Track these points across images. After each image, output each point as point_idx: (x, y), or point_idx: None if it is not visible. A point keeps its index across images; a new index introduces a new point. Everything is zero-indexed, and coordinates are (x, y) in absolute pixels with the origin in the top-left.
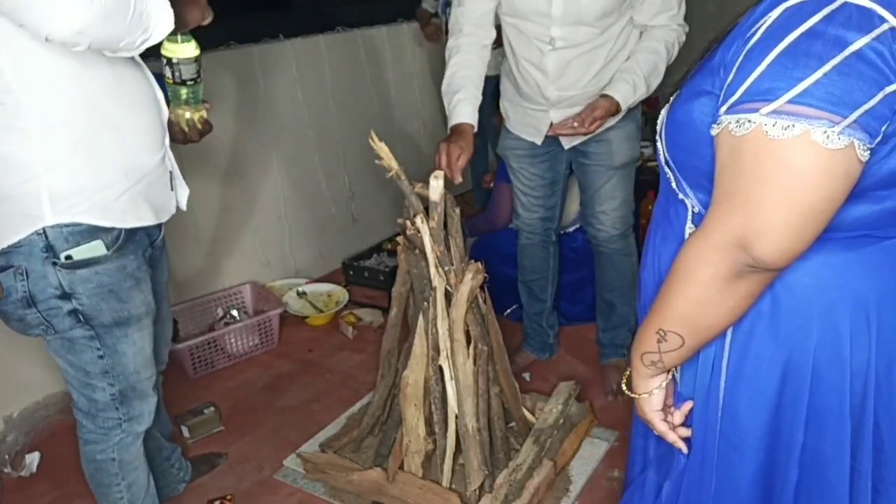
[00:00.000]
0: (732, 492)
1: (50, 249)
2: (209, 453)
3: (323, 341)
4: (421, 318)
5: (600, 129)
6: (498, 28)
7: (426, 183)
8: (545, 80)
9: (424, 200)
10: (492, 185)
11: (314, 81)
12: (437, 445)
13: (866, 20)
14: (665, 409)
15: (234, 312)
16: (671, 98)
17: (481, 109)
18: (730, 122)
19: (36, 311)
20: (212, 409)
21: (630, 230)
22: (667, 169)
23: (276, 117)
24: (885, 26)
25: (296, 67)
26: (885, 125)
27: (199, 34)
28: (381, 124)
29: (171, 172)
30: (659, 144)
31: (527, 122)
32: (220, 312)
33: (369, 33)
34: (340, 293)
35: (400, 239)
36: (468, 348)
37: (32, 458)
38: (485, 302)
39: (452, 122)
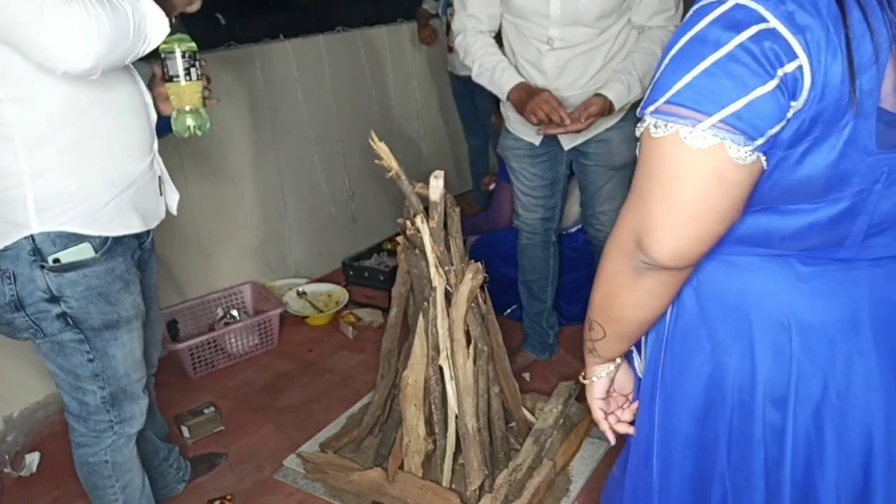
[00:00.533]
0: (669, 495)
1: (37, 253)
2: (209, 453)
3: (323, 341)
4: (421, 318)
5: (597, 130)
6: (497, 32)
7: (426, 183)
8: (543, 80)
9: (424, 200)
10: (491, 187)
11: (314, 81)
12: (437, 445)
13: (745, 20)
14: (607, 397)
15: (234, 312)
16: None
17: (481, 109)
18: (640, 123)
19: (24, 315)
20: (212, 409)
21: None
22: None
23: (276, 117)
24: (762, 25)
25: (296, 67)
26: (774, 128)
27: (199, 34)
28: (381, 124)
29: (159, 178)
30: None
31: (526, 123)
32: (220, 312)
33: (369, 33)
34: (340, 293)
35: (400, 239)
36: (468, 348)
37: (32, 458)
38: (485, 302)
39: (509, 85)
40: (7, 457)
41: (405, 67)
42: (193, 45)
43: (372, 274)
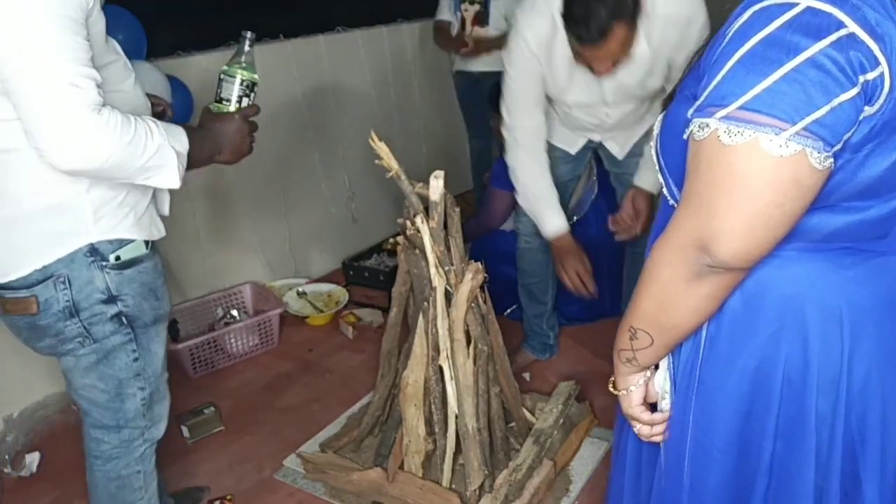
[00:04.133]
0: (704, 495)
1: (95, 253)
2: (192, 487)
3: (323, 341)
4: (421, 318)
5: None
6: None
7: (426, 183)
8: (599, 128)
9: (424, 200)
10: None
11: (314, 81)
12: (437, 445)
13: (823, 25)
14: (646, 405)
15: (234, 312)
16: (667, 103)
17: (481, 108)
18: (693, 126)
19: (77, 321)
20: (212, 409)
21: None
22: (660, 175)
23: (276, 117)
24: (842, 31)
25: (296, 67)
26: (849, 133)
27: (200, 34)
28: (381, 124)
29: None
30: (653, 151)
31: (562, 139)
32: (220, 312)
33: (369, 33)
34: (340, 293)
35: (400, 239)
36: (468, 348)
37: (32, 458)
38: (485, 302)
39: (550, 229)
40: (7, 457)
41: (405, 67)
42: (256, 77)
43: (372, 274)
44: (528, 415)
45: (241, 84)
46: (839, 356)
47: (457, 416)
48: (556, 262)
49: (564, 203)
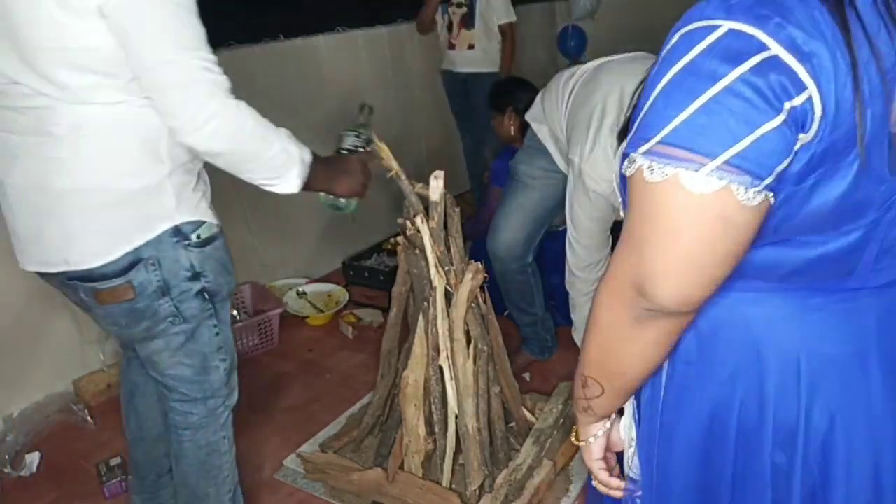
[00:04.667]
0: None
1: (179, 233)
2: None
3: (323, 341)
4: (421, 318)
5: None
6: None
7: (426, 183)
8: None
9: (424, 200)
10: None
11: (314, 81)
12: (437, 445)
13: (744, 49)
14: (605, 458)
15: (234, 312)
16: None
17: (475, 108)
18: (625, 161)
19: (169, 300)
20: None
21: None
22: (622, 210)
23: (276, 117)
24: (764, 54)
25: (296, 67)
26: (782, 164)
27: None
28: (381, 124)
29: None
30: (614, 182)
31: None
32: None
33: (369, 33)
34: (340, 293)
35: (400, 239)
36: (468, 348)
37: (32, 458)
38: (485, 302)
39: None
40: (7, 457)
41: (405, 67)
42: (372, 136)
43: (372, 274)
44: (528, 415)
45: (359, 138)
46: (796, 407)
47: (457, 416)
48: None
49: (543, 222)
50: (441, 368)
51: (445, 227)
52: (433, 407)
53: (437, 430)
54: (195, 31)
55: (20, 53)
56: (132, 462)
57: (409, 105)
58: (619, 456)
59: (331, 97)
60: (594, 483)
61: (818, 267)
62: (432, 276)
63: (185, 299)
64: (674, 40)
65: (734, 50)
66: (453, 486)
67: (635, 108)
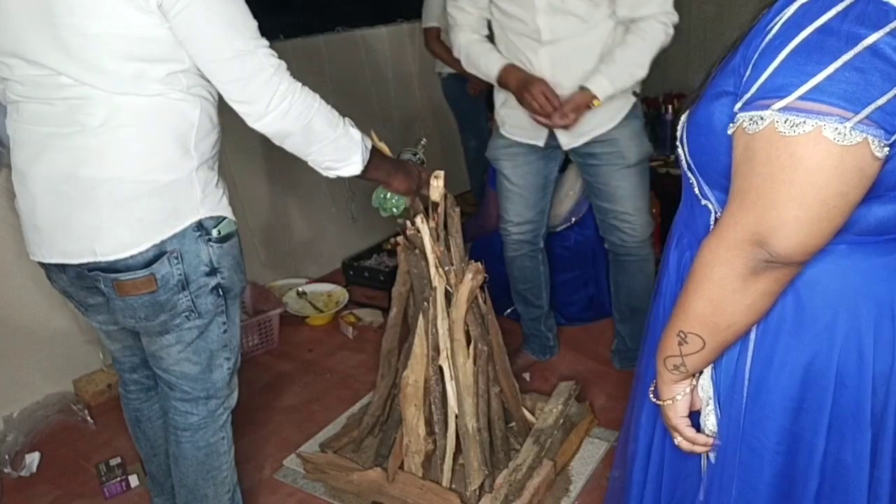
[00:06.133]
0: (752, 497)
1: (201, 228)
2: None
3: (323, 341)
4: (421, 318)
5: (599, 130)
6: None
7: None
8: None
9: (424, 200)
10: None
11: (314, 81)
12: (437, 445)
13: (881, 15)
14: (690, 416)
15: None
16: (691, 102)
17: (470, 109)
18: (743, 120)
19: (187, 294)
20: None
21: (652, 235)
22: (689, 174)
23: None
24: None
25: (296, 67)
26: None
27: None
28: (381, 124)
29: None
30: (680, 150)
31: (524, 126)
32: None
33: (369, 33)
34: (340, 293)
35: (400, 239)
36: (468, 348)
37: (32, 458)
38: (485, 302)
39: (496, 67)
40: (7, 457)
41: (405, 67)
42: (424, 162)
43: (372, 274)
44: (528, 415)
45: (415, 157)
46: (891, 348)
47: (457, 416)
48: (520, 94)
49: (543, 209)
50: (441, 368)
51: (445, 227)
52: (433, 407)
53: (437, 430)
54: (253, 21)
55: (64, 42)
56: (148, 471)
57: (409, 105)
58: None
59: (331, 97)
60: (677, 441)
61: None
62: (432, 276)
63: (201, 294)
64: (793, 8)
65: (870, 15)
66: (453, 486)
67: (706, 79)
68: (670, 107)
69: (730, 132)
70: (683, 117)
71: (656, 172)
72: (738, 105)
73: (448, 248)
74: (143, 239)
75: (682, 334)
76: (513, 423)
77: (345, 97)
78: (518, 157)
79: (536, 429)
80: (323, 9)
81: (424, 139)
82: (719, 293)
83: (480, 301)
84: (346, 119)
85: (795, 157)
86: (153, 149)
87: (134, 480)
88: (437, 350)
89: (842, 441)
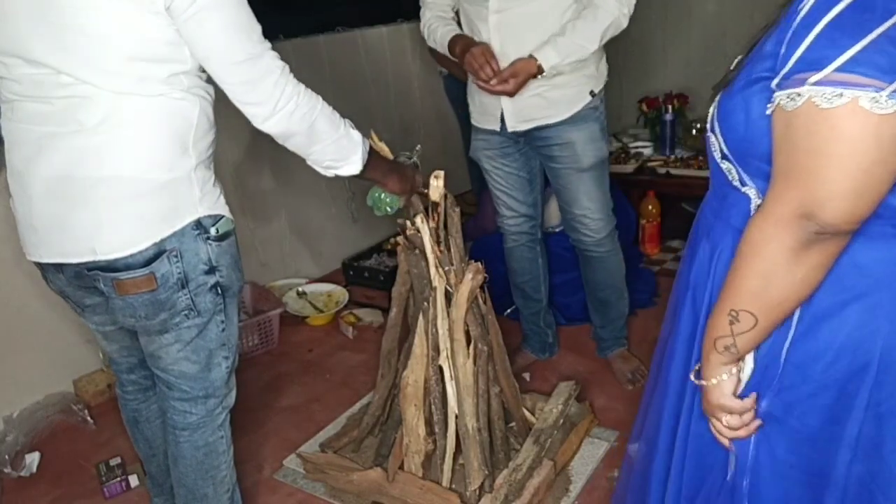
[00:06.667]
0: (788, 474)
1: (200, 227)
2: None
3: (323, 341)
4: (421, 318)
5: (546, 120)
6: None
7: (426, 183)
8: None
9: (424, 200)
10: None
11: (314, 81)
12: (437, 445)
13: None
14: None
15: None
16: (719, 92)
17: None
18: (781, 98)
19: (186, 292)
20: None
21: (614, 230)
22: (724, 163)
23: None
24: None
25: (296, 67)
26: None
27: None
28: (381, 124)
29: None
30: (713, 139)
31: (484, 111)
32: None
33: (369, 33)
34: (340, 293)
35: (400, 239)
36: (468, 348)
37: (32, 458)
38: (485, 302)
39: (447, 39)
40: (7, 457)
41: (405, 67)
42: (418, 165)
43: (372, 274)
44: (528, 415)
45: (409, 160)
46: None
47: (457, 416)
48: (462, 58)
49: (534, 202)
50: (441, 368)
51: (445, 227)
52: (433, 407)
53: (437, 430)
54: (258, 24)
55: (66, 42)
56: (148, 472)
57: (409, 105)
58: None
59: (331, 97)
60: (725, 420)
61: None
62: (432, 276)
63: (200, 292)
64: None
65: None
66: (453, 486)
67: (734, 69)
68: (670, 107)
69: (768, 112)
70: (713, 107)
71: (656, 172)
72: (775, 82)
73: (448, 248)
74: (143, 237)
75: (733, 313)
76: (513, 423)
77: (345, 97)
78: (495, 153)
79: (536, 429)
80: (323, 9)
81: (419, 145)
82: (771, 268)
83: (480, 301)
84: (347, 120)
85: (836, 129)
86: (152, 148)
87: (134, 480)
88: (437, 350)
89: (880, 421)
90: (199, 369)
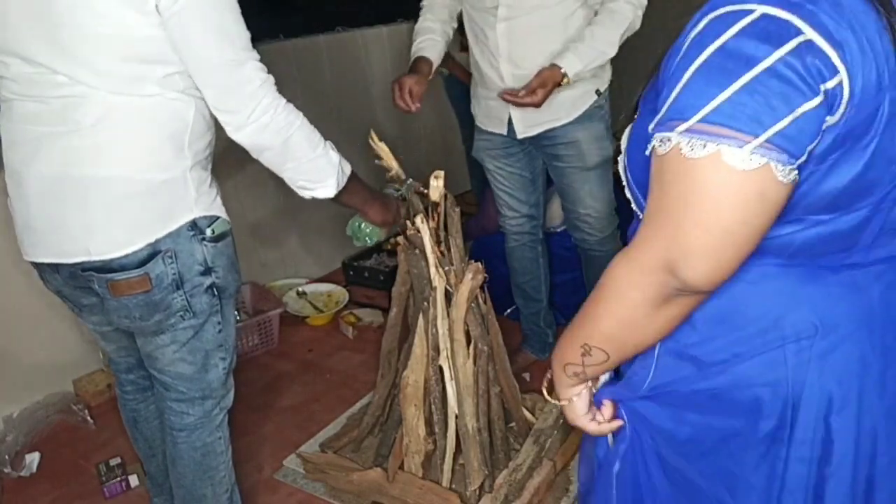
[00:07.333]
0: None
1: (195, 227)
2: None
3: (323, 341)
4: (421, 318)
5: (556, 123)
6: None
7: (426, 183)
8: (498, 58)
9: (424, 200)
10: None
11: (314, 81)
12: (437, 445)
13: (782, 33)
14: (591, 410)
15: (235, 312)
16: (631, 117)
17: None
18: (655, 141)
19: (182, 293)
20: None
21: (616, 229)
22: (628, 193)
23: None
24: (800, 38)
25: (296, 67)
26: (812, 144)
27: None
28: (381, 124)
29: None
30: (620, 164)
31: (490, 114)
32: None
33: (369, 33)
34: (340, 293)
35: (400, 239)
36: (468, 348)
37: (32, 458)
38: (485, 302)
39: (414, 56)
40: (7, 457)
41: (405, 67)
42: (406, 196)
43: (372, 274)
44: (528, 415)
45: (397, 192)
46: (805, 373)
47: (457, 416)
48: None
49: (536, 202)
50: (441, 368)
51: (445, 227)
52: (433, 407)
53: (437, 430)
54: (247, 32)
55: (62, 41)
56: (147, 472)
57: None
58: None
59: (331, 97)
60: (589, 429)
61: (825, 243)
62: (432, 276)
63: (196, 293)
64: (701, 24)
65: (771, 33)
66: (453, 486)
67: (644, 92)
68: None
69: (647, 153)
70: (626, 132)
71: None
72: (652, 125)
73: (448, 248)
74: (137, 238)
75: (586, 347)
76: (513, 423)
77: (345, 97)
78: (499, 153)
79: (536, 429)
80: (323, 9)
81: (412, 180)
82: (630, 316)
83: (480, 301)
84: (328, 142)
85: (697, 180)
86: (148, 148)
87: (134, 480)
88: (437, 350)
89: (741, 462)
90: (195, 370)
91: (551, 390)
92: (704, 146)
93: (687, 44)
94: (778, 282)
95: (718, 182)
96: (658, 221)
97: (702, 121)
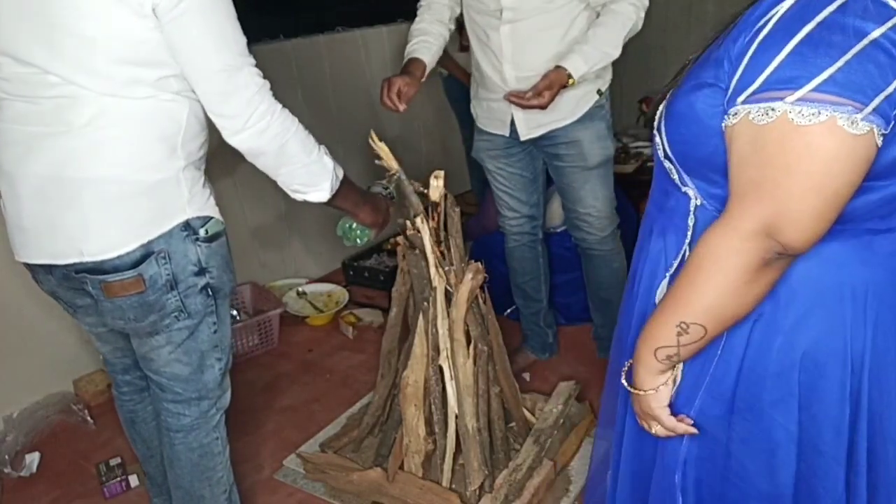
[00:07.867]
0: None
1: (188, 228)
2: None
3: (323, 341)
4: (421, 318)
5: (557, 125)
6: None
7: (426, 183)
8: (501, 60)
9: (424, 200)
10: None
11: (314, 82)
12: (437, 445)
13: (882, 10)
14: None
15: (234, 312)
16: (668, 92)
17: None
18: (749, 112)
19: (176, 294)
20: None
21: (617, 229)
22: (666, 162)
23: None
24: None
25: (296, 67)
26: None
27: None
28: (381, 124)
29: None
30: (657, 138)
31: (492, 116)
32: None
33: (369, 33)
34: (340, 293)
35: (400, 239)
36: (468, 348)
37: (32, 458)
38: (485, 302)
39: (407, 57)
40: (7, 457)
41: None
42: (394, 193)
43: (372, 274)
44: (528, 415)
45: (385, 190)
46: (863, 333)
47: (457, 416)
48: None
49: (536, 202)
50: (441, 368)
51: (445, 227)
52: (433, 407)
53: (437, 430)
54: (243, 38)
55: (55, 42)
56: (146, 472)
57: (410, 105)
58: None
59: (331, 97)
60: (654, 430)
61: (875, 208)
62: (432, 276)
63: (190, 294)
64: (787, 4)
65: (873, 11)
66: (453, 486)
67: (683, 69)
68: None
69: (726, 124)
70: (661, 105)
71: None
72: (741, 97)
73: (448, 248)
74: (130, 239)
75: (683, 325)
76: (513, 423)
77: (344, 97)
78: (499, 153)
79: (536, 429)
80: (323, 9)
81: (399, 172)
82: (732, 284)
83: (480, 301)
84: (322, 147)
85: (812, 146)
86: (140, 149)
87: (134, 480)
88: (437, 350)
89: (818, 427)
90: (191, 371)
91: (630, 380)
92: (819, 114)
93: (774, 21)
94: (829, 247)
95: (834, 147)
96: (760, 189)
97: (815, 90)
